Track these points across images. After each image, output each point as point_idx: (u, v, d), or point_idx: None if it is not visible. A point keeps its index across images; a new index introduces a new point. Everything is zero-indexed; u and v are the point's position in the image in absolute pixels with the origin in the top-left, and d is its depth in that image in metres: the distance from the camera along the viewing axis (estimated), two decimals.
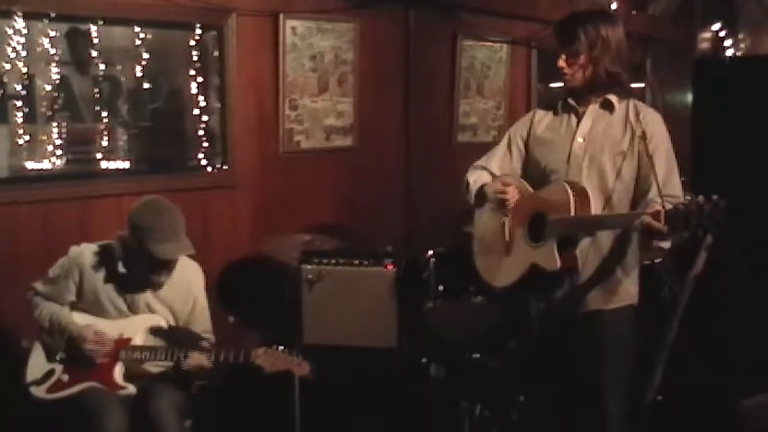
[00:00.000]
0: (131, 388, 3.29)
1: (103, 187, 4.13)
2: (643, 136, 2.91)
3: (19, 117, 3.86)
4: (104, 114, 4.14)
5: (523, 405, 3.93)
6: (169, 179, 4.33)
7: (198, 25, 4.39)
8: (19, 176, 3.89)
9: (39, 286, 3.40)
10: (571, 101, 3.07)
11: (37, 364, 3.35)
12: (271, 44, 4.70)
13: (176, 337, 3.39)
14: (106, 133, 4.16)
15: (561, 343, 3.10)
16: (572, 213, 2.85)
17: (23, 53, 3.83)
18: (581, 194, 2.89)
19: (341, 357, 3.99)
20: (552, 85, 6.10)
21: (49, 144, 3.96)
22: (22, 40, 3.82)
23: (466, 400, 4.02)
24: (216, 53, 4.47)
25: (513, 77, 6.16)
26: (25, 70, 3.85)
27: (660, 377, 3.84)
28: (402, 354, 4.13)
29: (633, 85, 3.22)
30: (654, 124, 2.99)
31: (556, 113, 3.12)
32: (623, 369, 3.06)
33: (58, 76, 3.96)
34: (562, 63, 3.02)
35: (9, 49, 3.80)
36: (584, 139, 3.01)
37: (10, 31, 3.79)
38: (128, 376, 3.31)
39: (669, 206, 2.61)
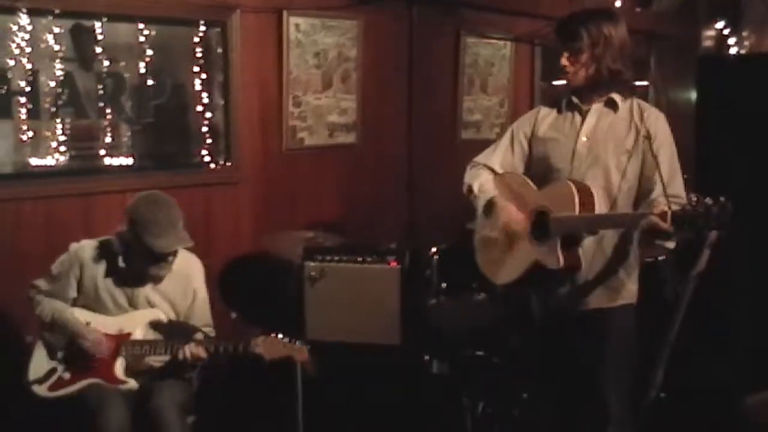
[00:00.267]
0: (132, 383, 3.30)
1: (107, 183, 4.13)
2: (648, 136, 2.91)
3: (23, 113, 3.86)
4: (108, 110, 4.15)
5: (526, 402, 3.94)
6: (173, 175, 4.33)
7: (202, 22, 4.39)
8: (23, 172, 3.89)
9: (41, 283, 3.41)
10: (574, 99, 3.07)
11: (39, 362, 3.35)
12: (275, 41, 4.71)
13: (176, 331, 3.40)
14: (109, 129, 4.16)
15: (562, 341, 3.11)
16: (576, 211, 2.85)
17: (27, 49, 3.83)
18: (586, 193, 2.88)
19: (344, 354, 3.99)
20: (555, 82, 6.09)
21: (52, 140, 3.96)
22: (27, 36, 3.82)
23: (469, 397, 4.03)
24: (219, 50, 4.48)
25: (516, 74, 6.15)
26: (29, 66, 3.85)
27: (662, 375, 3.85)
28: (405, 351, 4.13)
29: (637, 83, 3.22)
30: (658, 123, 2.99)
31: (559, 111, 3.12)
32: (625, 366, 3.07)
33: (62, 73, 3.96)
34: (564, 61, 3.02)
35: (13, 46, 3.80)
36: (588, 138, 3.01)
37: (14, 28, 3.79)
38: (129, 371, 3.32)
39: (675, 207, 2.61)
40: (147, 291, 3.41)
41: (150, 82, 4.27)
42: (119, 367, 3.31)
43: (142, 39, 4.20)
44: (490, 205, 3.12)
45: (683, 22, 7.25)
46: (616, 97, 3.01)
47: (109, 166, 4.17)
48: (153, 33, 4.23)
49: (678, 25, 7.20)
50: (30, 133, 3.89)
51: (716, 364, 4.39)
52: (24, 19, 3.81)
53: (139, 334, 3.36)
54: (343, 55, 5.02)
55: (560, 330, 3.10)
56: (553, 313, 3.12)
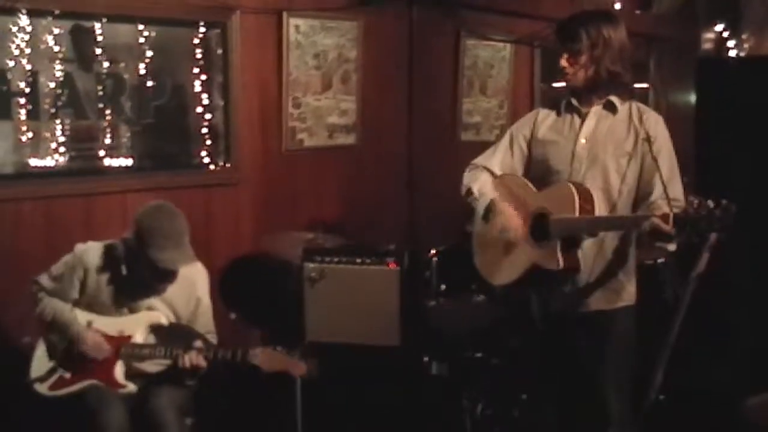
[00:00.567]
0: (132, 387, 3.30)
1: (106, 184, 4.13)
2: (647, 138, 2.91)
3: (23, 114, 3.86)
4: (107, 111, 4.15)
5: (525, 403, 3.94)
6: (172, 176, 4.34)
7: (201, 23, 4.40)
8: (23, 173, 3.89)
9: (44, 281, 3.40)
10: (574, 102, 3.07)
11: (40, 360, 3.36)
12: (275, 42, 4.71)
13: (177, 335, 3.39)
14: (109, 130, 4.16)
15: (562, 342, 3.11)
16: (576, 214, 2.85)
17: (27, 50, 3.83)
18: (586, 195, 2.89)
19: (343, 355, 3.99)
20: (555, 84, 6.09)
21: (52, 141, 3.96)
22: (26, 37, 3.82)
23: (468, 399, 4.03)
24: (219, 51, 4.48)
25: (516, 76, 6.15)
26: (29, 67, 3.85)
27: (662, 376, 3.84)
28: (404, 352, 4.13)
29: (637, 85, 3.23)
30: (657, 126, 3.00)
31: (559, 113, 3.12)
32: (625, 368, 3.07)
33: (62, 73, 3.96)
34: (564, 62, 3.03)
35: (13, 46, 3.80)
36: (587, 140, 3.01)
37: (14, 28, 3.79)
38: (128, 374, 3.31)
39: (676, 210, 2.61)
40: (149, 299, 3.40)
41: (150, 83, 4.27)
42: (119, 370, 3.31)
43: (141, 40, 4.21)
44: (489, 208, 3.12)
45: (683, 24, 7.26)
46: (615, 99, 3.02)
47: (109, 166, 4.17)
48: (153, 34, 4.23)
49: (678, 27, 7.20)
50: (30, 134, 3.89)
51: (716, 366, 4.39)
52: (24, 20, 3.81)
53: (139, 337, 3.35)
54: (343, 56, 5.02)
55: (560, 331, 3.10)
56: (553, 315, 3.12)
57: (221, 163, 4.57)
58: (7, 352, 3.69)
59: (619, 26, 3.01)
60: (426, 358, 4.24)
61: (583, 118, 3.05)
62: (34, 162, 3.92)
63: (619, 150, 2.98)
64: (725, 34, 7.25)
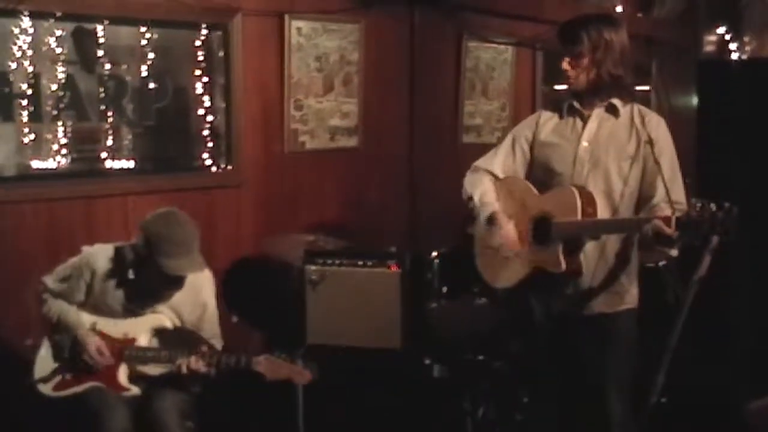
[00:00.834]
0: (135, 390, 3.29)
1: (108, 186, 4.13)
2: (650, 141, 2.91)
3: (25, 116, 3.87)
4: (109, 113, 4.15)
5: (527, 406, 3.93)
6: (174, 178, 4.34)
7: (203, 25, 4.40)
8: (25, 175, 3.89)
9: (50, 282, 3.39)
10: (576, 104, 3.07)
11: (44, 361, 3.35)
12: (277, 44, 4.71)
13: (181, 339, 3.37)
14: (111, 132, 4.17)
15: (564, 345, 3.11)
16: (579, 217, 2.85)
17: (29, 52, 3.84)
18: (588, 198, 2.89)
19: (345, 357, 3.99)
20: (557, 87, 6.09)
21: (54, 143, 3.96)
22: (28, 39, 3.83)
23: (470, 401, 4.03)
24: (221, 53, 4.48)
25: (518, 78, 6.15)
26: (31, 69, 3.86)
27: (664, 379, 3.83)
28: (405, 354, 4.13)
29: (638, 88, 3.23)
30: (659, 129, 3.00)
31: (561, 116, 3.12)
32: (626, 371, 3.07)
33: (64, 75, 3.97)
34: (565, 65, 3.03)
35: (15, 48, 3.80)
36: (589, 143, 3.01)
37: (16, 30, 3.79)
38: (132, 377, 3.31)
39: (679, 213, 2.61)
40: (156, 304, 3.39)
41: (151, 85, 4.28)
42: (122, 373, 3.30)
43: (143, 42, 4.21)
44: (491, 219, 3.13)
45: (684, 27, 7.26)
46: (617, 102, 3.02)
47: (111, 169, 4.18)
48: (155, 36, 4.23)
49: (679, 30, 7.20)
50: (32, 136, 3.89)
51: (717, 369, 4.38)
52: (26, 22, 3.81)
53: (143, 340, 3.34)
54: (344, 58, 5.02)
55: (562, 334, 3.10)
56: (555, 318, 3.12)
57: (223, 166, 4.57)
58: (9, 354, 3.69)
59: (621, 29, 3.02)
60: (427, 361, 4.23)
61: (585, 120, 3.05)
62: (35, 164, 3.92)
63: (621, 153, 2.98)
64: (727, 37, 7.25)
